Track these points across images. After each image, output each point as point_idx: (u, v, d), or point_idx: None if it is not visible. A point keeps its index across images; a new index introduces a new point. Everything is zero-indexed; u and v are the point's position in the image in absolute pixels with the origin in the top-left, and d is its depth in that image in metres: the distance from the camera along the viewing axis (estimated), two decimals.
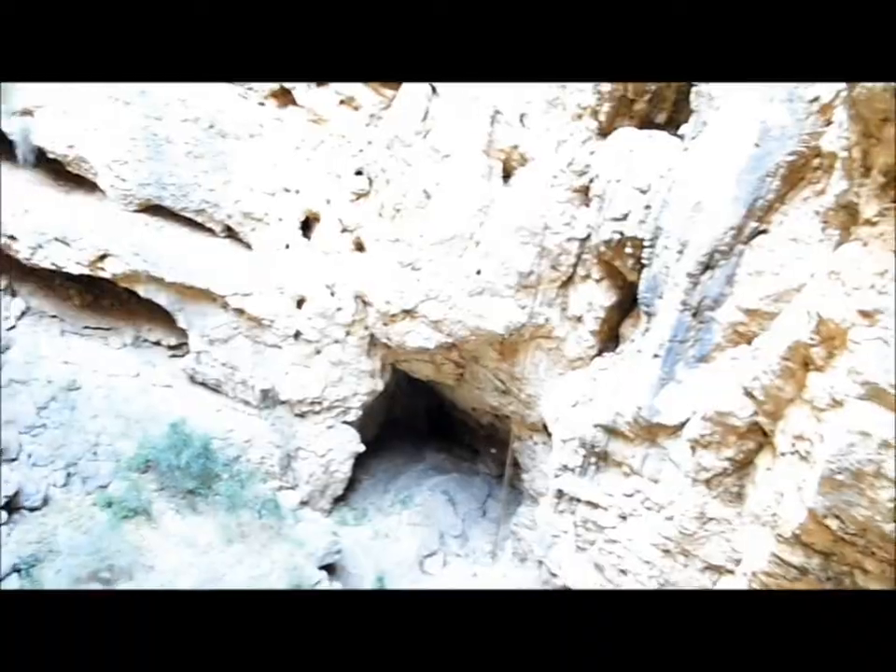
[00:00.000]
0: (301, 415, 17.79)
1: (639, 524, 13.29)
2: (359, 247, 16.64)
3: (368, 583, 16.09)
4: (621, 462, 13.63)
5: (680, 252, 11.87)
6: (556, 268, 14.64)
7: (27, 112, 16.54)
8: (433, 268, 15.06)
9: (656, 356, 12.31)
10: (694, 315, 11.81)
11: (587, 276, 14.68)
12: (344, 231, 16.71)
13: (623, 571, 13.82)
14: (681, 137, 12.64)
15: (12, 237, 16.89)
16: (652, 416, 12.32)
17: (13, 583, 13.31)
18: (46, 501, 14.94)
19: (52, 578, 13.49)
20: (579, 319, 15.08)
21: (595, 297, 14.61)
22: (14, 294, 18.48)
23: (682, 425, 12.00)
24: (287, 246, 16.91)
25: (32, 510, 14.76)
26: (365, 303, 16.64)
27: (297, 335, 17.23)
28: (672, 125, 13.30)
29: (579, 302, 14.95)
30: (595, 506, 14.20)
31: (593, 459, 14.20)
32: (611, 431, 13.53)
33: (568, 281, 14.89)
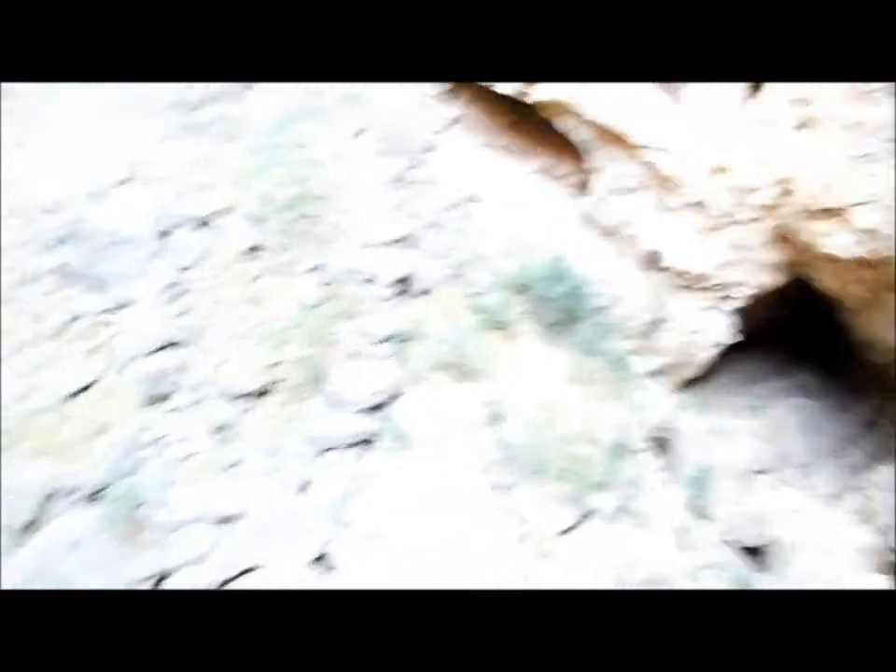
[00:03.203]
0: (680, 288, 17.09)
1: None
2: (805, 124, 14.80)
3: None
4: None
5: None
6: None
7: None
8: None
9: None
10: None
11: None
12: (796, 101, 14.85)
13: None
14: None
15: None
16: None
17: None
18: (427, 292, 16.29)
19: (418, 356, 14.89)
20: None
21: None
22: (453, 99, 19.66)
23: None
24: (722, 107, 15.67)
25: (414, 296, 16.25)
26: (786, 190, 15.04)
27: (699, 204, 16.26)
28: None
29: None
30: None
31: None
32: None
33: None
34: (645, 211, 16.99)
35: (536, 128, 19.57)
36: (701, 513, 14.73)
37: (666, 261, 16.88)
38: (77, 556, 11.76)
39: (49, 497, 12.26)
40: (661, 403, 16.19)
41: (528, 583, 12.48)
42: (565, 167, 19.24)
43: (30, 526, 12.10)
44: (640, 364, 16.90)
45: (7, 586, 11.21)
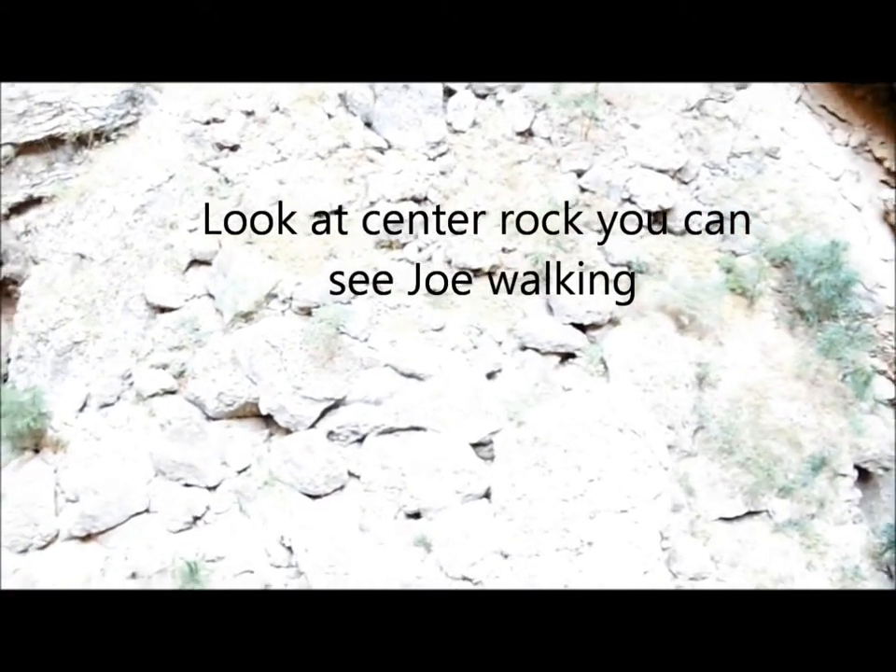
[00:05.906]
0: None
1: None
2: None
3: None
4: None
5: None
6: None
7: None
8: None
9: None
10: None
11: None
12: None
13: None
14: None
15: None
16: None
17: None
18: (682, 231, 15.39)
19: (648, 292, 14.34)
20: None
21: None
22: None
23: None
24: None
25: (667, 230, 15.39)
26: None
27: None
28: None
29: None
30: None
31: None
32: None
33: None
34: None
35: (872, 96, 17.31)
36: (882, 566, 13.32)
37: None
38: (271, 358, 12.86)
39: (268, 297, 13.42)
40: (887, 436, 14.48)
41: (663, 554, 12.08)
42: (888, 149, 16.96)
43: (245, 316, 13.37)
44: (882, 388, 15.09)
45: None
